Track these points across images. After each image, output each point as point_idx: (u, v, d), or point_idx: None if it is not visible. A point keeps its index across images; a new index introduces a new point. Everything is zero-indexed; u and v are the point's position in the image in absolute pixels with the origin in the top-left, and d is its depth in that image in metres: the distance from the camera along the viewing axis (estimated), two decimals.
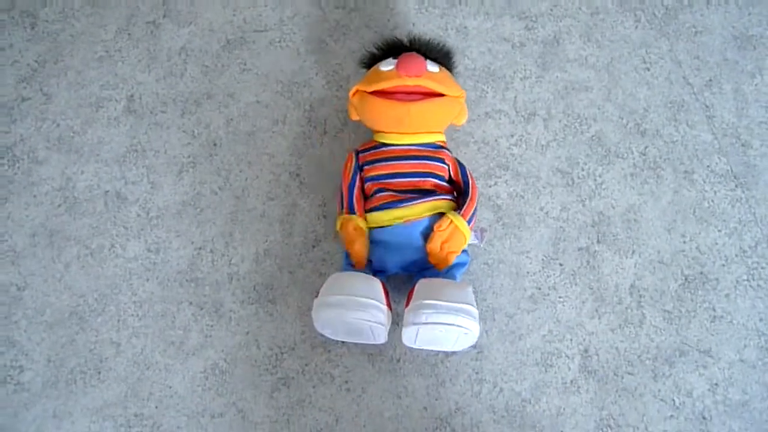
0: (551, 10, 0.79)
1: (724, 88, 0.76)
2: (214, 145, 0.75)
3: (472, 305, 0.59)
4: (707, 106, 0.75)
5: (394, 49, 0.68)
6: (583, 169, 0.73)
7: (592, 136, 0.74)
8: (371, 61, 0.70)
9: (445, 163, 0.65)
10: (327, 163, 0.73)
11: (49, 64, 0.77)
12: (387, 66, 0.64)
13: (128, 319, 0.68)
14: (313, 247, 0.71)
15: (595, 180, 0.72)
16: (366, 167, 0.66)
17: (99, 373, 0.67)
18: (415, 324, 0.57)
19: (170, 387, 0.66)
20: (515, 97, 0.76)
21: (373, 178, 0.65)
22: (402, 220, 0.62)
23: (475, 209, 0.64)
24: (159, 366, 0.67)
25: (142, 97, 0.76)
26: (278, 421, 0.65)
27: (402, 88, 0.63)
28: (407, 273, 0.65)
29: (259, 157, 0.74)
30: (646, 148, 0.73)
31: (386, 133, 0.66)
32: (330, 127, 0.75)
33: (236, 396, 0.66)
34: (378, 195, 0.64)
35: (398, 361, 0.67)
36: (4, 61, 0.77)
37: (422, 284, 0.60)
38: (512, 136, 0.74)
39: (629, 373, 0.66)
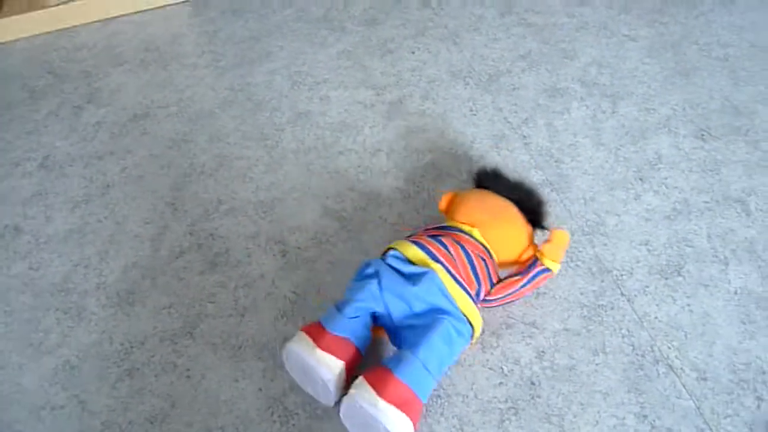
0: (397, 82, 0.98)
1: (538, 123, 0.90)
2: (107, 186, 0.87)
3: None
4: (524, 137, 0.89)
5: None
6: (418, 186, 0.84)
7: (427, 163, 0.87)
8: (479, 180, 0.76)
9: None
10: (201, 194, 0.85)
11: None
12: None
13: None
14: (177, 258, 0.78)
15: (429, 193, 0.83)
16: None
17: None
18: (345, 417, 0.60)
19: (19, 384, 0.69)
20: (364, 140, 0.90)
21: None
22: None
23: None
24: (13, 365, 0.70)
25: (55, 157, 0.91)
26: (116, 409, 0.66)
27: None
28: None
29: (143, 194, 0.86)
30: (471, 168, 0.85)
31: None
32: (206, 168, 0.88)
33: (80, 389, 0.68)
34: None
35: (240, 348, 0.70)
36: None
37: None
38: (359, 166, 0.87)
39: None
